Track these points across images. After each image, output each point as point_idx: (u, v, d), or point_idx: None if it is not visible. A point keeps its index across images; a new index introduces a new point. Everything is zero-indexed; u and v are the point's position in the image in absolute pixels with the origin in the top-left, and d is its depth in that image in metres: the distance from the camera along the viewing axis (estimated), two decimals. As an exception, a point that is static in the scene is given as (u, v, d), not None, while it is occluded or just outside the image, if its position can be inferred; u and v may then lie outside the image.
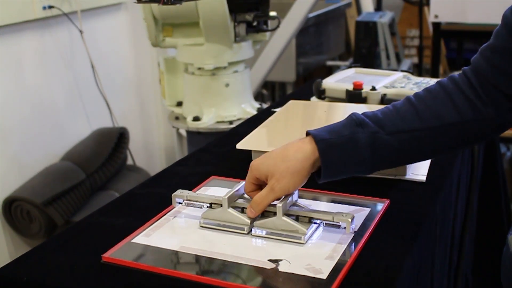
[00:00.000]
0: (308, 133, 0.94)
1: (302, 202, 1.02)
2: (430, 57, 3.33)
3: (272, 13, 2.03)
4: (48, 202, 2.09)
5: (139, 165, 2.73)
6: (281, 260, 0.89)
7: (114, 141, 2.42)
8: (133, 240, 0.95)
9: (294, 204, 0.99)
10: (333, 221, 0.94)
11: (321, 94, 1.57)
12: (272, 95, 3.82)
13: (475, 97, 0.92)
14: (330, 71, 4.00)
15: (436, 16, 2.76)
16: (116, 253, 0.91)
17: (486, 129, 0.94)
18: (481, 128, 0.93)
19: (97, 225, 1.02)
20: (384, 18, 3.25)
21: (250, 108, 2.11)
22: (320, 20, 3.65)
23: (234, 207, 0.99)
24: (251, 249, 0.93)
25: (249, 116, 1.94)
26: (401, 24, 4.30)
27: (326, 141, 0.92)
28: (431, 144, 0.94)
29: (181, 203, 1.03)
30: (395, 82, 1.54)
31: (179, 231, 1.00)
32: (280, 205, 0.94)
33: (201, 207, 1.02)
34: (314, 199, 1.08)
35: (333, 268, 0.85)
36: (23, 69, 2.19)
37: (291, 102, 1.50)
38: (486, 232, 1.68)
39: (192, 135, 2.11)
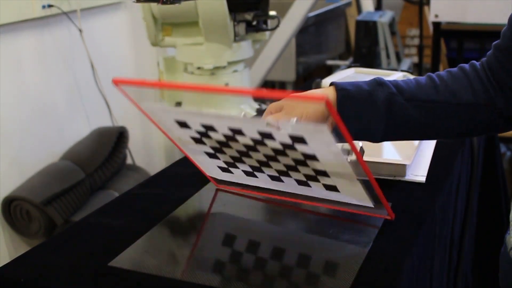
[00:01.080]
0: (332, 83, 0.97)
1: None
2: (430, 57, 3.33)
3: (272, 13, 2.02)
4: (47, 202, 2.09)
5: (139, 164, 2.72)
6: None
7: (114, 140, 2.42)
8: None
9: None
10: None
11: (321, 94, 1.56)
12: (272, 94, 3.81)
13: (489, 85, 0.96)
14: (330, 70, 4.00)
15: (436, 16, 2.76)
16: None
17: (495, 119, 0.97)
18: (492, 116, 0.96)
19: (96, 225, 1.02)
20: (384, 18, 3.25)
21: (249, 109, 2.11)
22: (320, 19, 3.65)
23: None
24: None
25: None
26: (401, 24, 4.29)
27: (347, 91, 0.95)
28: (444, 121, 0.97)
29: None
30: (395, 82, 1.54)
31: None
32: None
33: None
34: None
35: None
36: (22, 68, 2.19)
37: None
38: (485, 232, 1.68)
39: (192, 134, 2.10)
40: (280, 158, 0.92)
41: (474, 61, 1.02)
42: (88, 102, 2.51)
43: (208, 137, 0.94)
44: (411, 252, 0.90)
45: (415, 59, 4.32)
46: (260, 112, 1.68)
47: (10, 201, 2.11)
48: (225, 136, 0.91)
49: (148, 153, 2.97)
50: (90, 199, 2.30)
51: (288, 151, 0.88)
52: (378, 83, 0.96)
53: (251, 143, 0.90)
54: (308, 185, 0.98)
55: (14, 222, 2.15)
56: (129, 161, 2.64)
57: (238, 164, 1.01)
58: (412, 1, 3.83)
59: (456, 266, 1.35)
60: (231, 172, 1.05)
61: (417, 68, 4.03)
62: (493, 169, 1.66)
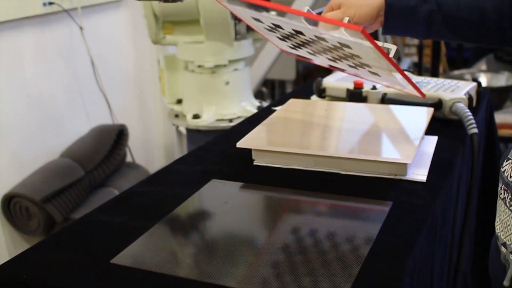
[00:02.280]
0: None
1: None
2: (430, 56, 3.33)
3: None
4: (47, 199, 2.09)
5: (139, 162, 2.73)
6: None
7: (114, 138, 2.42)
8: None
9: None
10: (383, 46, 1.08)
11: (322, 93, 1.57)
12: (272, 93, 3.82)
13: None
14: (330, 69, 4.00)
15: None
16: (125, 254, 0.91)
17: None
18: None
19: (96, 223, 1.02)
20: (384, 17, 3.25)
21: (250, 106, 2.11)
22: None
23: None
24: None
25: (249, 115, 1.94)
26: (401, 23, 4.29)
27: (393, 5, 1.13)
28: (474, 35, 1.14)
29: None
30: (396, 81, 1.54)
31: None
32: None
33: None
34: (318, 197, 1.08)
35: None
36: (23, 65, 2.19)
37: (291, 100, 1.50)
38: (485, 231, 1.68)
39: (192, 133, 2.10)
40: (334, 51, 1.10)
41: None
42: (88, 100, 2.51)
43: (277, 30, 1.13)
44: (413, 252, 0.90)
45: (415, 59, 4.32)
46: (261, 110, 1.68)
47: (9, 198, 2.11)
48: (290, 32, 1.11)
49: (148, 151, 2.97)
50: (89, 196, 2.30)
51: (339, 49, 1.07)
52: None
53: (310, 39, 1.09)
54: (357, 69, 1.15)
55: (14, 219, 2.15)
56: (128, 158, 2.64)
57: (302, 48, 1.18)
58: (412, 1, 3.82)
59: (456, 265, 1.35)
60: (297, 50, 1.21)
61: (416, 68, 4.03)
62: (493, 168, 1.67)
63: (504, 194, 1.00)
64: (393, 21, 1.14)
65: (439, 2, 1.13)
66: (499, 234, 1.02)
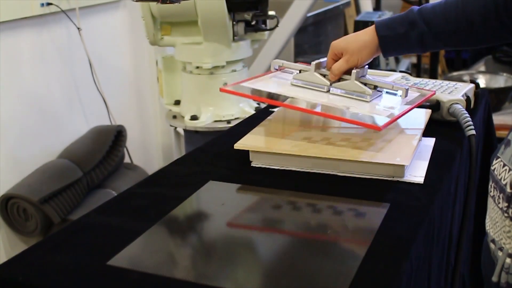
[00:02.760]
0: (374, 23, 1.26)
1: (370, 77, 1.30)
2: (429, 57, 3.33)
3: (271, 12, 2.02)
4: (44, 200, 2.09)
5: (137, 163, 2.72)
6: (350, 106, 1.20)
7: (112, 139, 2.42)
8: (243, 84, 1.29)
9: (363, 76, 1.28)
10: (392, 90, 1.26)
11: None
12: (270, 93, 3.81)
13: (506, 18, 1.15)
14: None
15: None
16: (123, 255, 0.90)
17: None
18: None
19: (93, 224, 1.02)
20: (383, 18, 3.25)
21: (248, 108, 2.11)
22: (319, 19, 3.65)
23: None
24: (328, 99, 1.24)
25: (247, 116, 1.94)
26: (399, 24, 4.29)
27: (385, 37, 1.24)
28: (467, 41, 1.23)
29: (277, 69, 1.38)
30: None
31: (275, 84, 1.33)
32: (355, 71, 1.24)
33: (291, 73, 1.34)
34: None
35: (388, 115, 1.16)
36: (20, 66, 2.19)
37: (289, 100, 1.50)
38: (483, 233, 1.68)
39: (190, 134, 2.10)
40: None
41: None
42: (86, 101, 2.51)
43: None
44: (409, 254, 0.90)
45: (414, 60, 4.32)
46: (258, 112, 1.67)
47: (7, 199, 2.11)
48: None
49: (146, 152, 2.97)
50: (87, 197, 2.30)
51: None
52: (410, 23, 1.22)
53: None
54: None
55: (11, 220, 2.15)
56: (126, 159, 2.64)
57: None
58: (411, 2, 3.83)
59: (454, 267, 1.35)
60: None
61: (415, 69, 4.03)
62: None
63: (493, 192, 1.02)
64: (390, 50, 1.26)
65: (427, 22, 1.20)
66: (488, 231, 1.05)
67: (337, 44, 1.27)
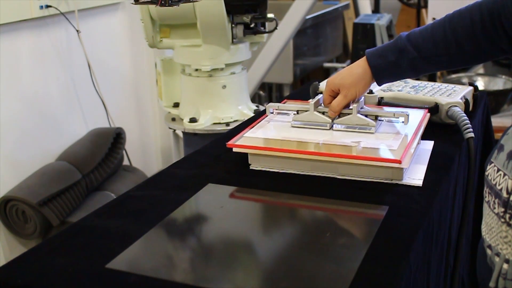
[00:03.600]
0: (365, 54, 1.27)
1: (367, 107, 1.33)
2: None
3: (270, 15, 2.02)
4: (43, 202, 2.09)
5: (136, 165, 2.72)
6: (360, 141, 1.20)
7: (111, 141, 2.42)
8: (246, 135, 1.26)
9: (362, 108, 1.30)
10: (394, 117, 1.28)
11: (318, 97, 1.56)
12: (269, 96, 3.82)
13: (494, 34, 1.15)
14: (327, 73, 4.00)
15: (434, 19, 2.76)
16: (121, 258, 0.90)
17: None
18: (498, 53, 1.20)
19: (92, 227, 1.02)
20: (381, 20, 3.25)
21: (247, 110, 2.11)
22: (317, 21, 3.65)
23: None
24: (335, 138, 1.24)
25: (246, 118, 1.94)
26: (398, 26, 4.29)
27: (377, 66, 1.25)
28: (458, 62, 1.24)
29: (272, 113, 1.37)
30: (392, 86, 1.54)
31: (276, 129, 1.31)
32: (356, 105, 1.26)
33: (288, 115, 1.35)
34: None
35: (400, 144, 1.18)
36: (20, 68, 2.19)
37: (287, 102, 1.50)
38: (481, 235, 1.68)
39: (189, 136, 2.10)
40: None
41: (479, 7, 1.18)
42: (85, 103, 2.51)
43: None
44: (408, 256, 0.90)
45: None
46: (257, 114, 1.67)
47: (6, 201, 2.10)
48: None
49: (145, 155, 2.97)
50: (86, 200, 2.29)
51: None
52: (400, 50, 1.22)
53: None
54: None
55: (10, 222, 2.15)
56: (125, 162, 2.64)
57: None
58: (410, 4, 3.83)
59: (453, 269, 1.35)
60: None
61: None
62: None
63: (488, 197, 1.02)
64: (383, 78, 1.27)
65: (416, 47, 1.21)
66: (484, 236, 1.04)
67: (333, 80, 1.28)
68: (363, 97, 1.31)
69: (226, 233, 1.00)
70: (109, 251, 0.92)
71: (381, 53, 1.25)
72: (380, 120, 1.29)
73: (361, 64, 1.27)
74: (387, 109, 1.35)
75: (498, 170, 0.99)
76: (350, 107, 1.28)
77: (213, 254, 0.92)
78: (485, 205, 1.04)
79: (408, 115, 1.25)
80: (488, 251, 1.02)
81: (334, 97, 1.29)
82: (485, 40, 1.16)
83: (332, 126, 1.28)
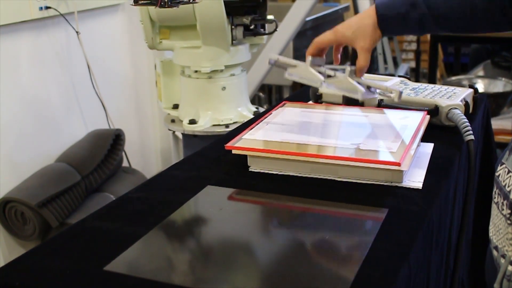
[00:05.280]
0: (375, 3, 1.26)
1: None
2: (428, 62, 3.33)
3: (270, 17, 2.02)
4: (42, 204, 2.08)
5: (135, 167, 2.72)
6: (359, 143, 1.19)
7: (110, 142, 2.41)
8: (245, 136, 1.25)
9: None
10: (387, 91, 1.27)
11: (318, 99, 1.56)
12: (269, 98, 3.82)
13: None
14: (327, 74, 4.00)
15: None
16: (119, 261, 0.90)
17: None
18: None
19: (91, 229, 1.01)
20: (381, 22, 3.25)
21: (247, 112, 2.10)
22: (317, 23, 3.65)
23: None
24: (335, 139, 1.24)
25: (245, 120, 1.93)
26: (398, 28, 4.29)
27: (385, 15, 1.24)
28: (466, 28, 1.23)
29: (273, 64, 1.35)
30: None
31: (276, 131, 1.29)
32: (349, 68, 1.27)
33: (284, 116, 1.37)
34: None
35: (399, 146, 1.17)
36: (19, 69, 2.18)
37: (287, 104, 1.50)
38: (482, 238, 1.68)
39: (188, 138, 2.10)
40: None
41: None
42: (85, 104, 2.51)
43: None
44: (408, 259, 0.90)
45: (412, 64, 4.33)
46: (257, 116, 1.67)
47: (5, 203, 2.10)
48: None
49: (144, 156, 2.97)
50: (85, 201, 2.29)
51: None
52: (411, 3, 1.21)
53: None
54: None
55: (9, 224, 2.15)
56: (125, 163, 2.64)
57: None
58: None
59: (453, 272, 1.35)
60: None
61: (414, 73, 4.04)
62: (490, 174, 1.66)
63: (497, 198, 1.01)
64: (388, 28, 1.26)
65: (428, 5, 1.21)
66: (491, 237, 1.03)
67: (344, 33, 1.30)
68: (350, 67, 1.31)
69: (225, 235, 1.00)
70: (108, 253, 0.92)
71: (391, 4, 1.25)
72: (372, 92, 1.32)
73: (370, 14, 1.27)
74: (388, 84, 1.35)
75: (509, 171, 0.99)
76: (343, 68, 1.30)
77: (212, 256, 0.92)
78: (493, 206, 1.04)
79: (401, 92, 1.25)
80: (495, 253, 1.02)
81: (358, 56, 1.30)
82: (500, 12, 1.16)
83: (322, 84, 1.30)
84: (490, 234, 1.04)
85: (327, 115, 1.43)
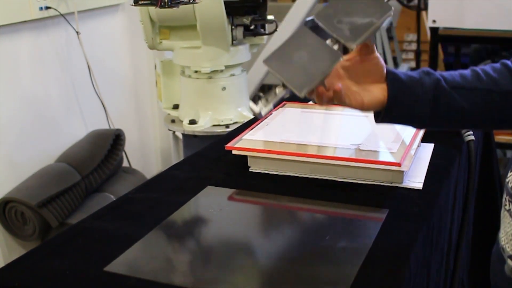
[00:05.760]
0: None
1: None
2: (428, 62, 3.33)
3: (270, 17, 2.02)
4: (42, 204, 2.08)
5: (135, 167, 2.72)
6: (360, 144, 1.20)
7: (110, 143, 2.41)
8: (245, 137, 1.25)
9: None
10: None
11: (318, 99, 1.56)
12: (269, 98, 3.81)
13: None
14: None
15: (434, 21, 2.76)
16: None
17: None
18: None
19: (92, 229, 1.01)
20: (381, 23, 3.25)
21: (247, 112, 2.10)
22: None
23: None
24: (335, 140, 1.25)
25: (245, 120, 1.93)
26: (399, 29, 4.30)
27: (398, 79, 0.97)
28: (486, 108, 0.99)
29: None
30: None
31: (276, 131, 1.30)
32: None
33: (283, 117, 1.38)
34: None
35: (399, 146, 1.17)
36: (19, 70, 2.18)
37: (287, 104, 1.50)
38: (483, 238, 1.68)
39: (188, 138, 2.10)
40: None
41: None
42: (85, 104, 2.50)
43: None
44: (408, 259, 0.90)
45: (413, 64, 4.33)
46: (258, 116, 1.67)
47: (5, 203, 2.10)
48: None
49: (144, 156, 2.96)
50: (85, 201, 2.29)
51: None
52: (425, 72, 1.00)
53: None
54: None
55: (9, 224, 2.14)
56: (125, 163, 2.63)
57: None
58: (410, 6, 3.83)
59: (453, 272, 1.35)
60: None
61: (414, 73, 4.03)
62: (490, 175, 1.66)
63: (509, 206, 0.98)
64: (397, 93, 0.99)
65: (443, 75, 1.02)
66: (504, 246, 1.00)
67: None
68: None
69: (225, 235, 1.00)
70: (108, 254, 0.92)
71: (404, 72, 1.02)
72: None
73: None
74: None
75: None
76: None
77: (212, 256, 0.92)
78: (504, 214, 1.00)
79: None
80: (509, 262, 0.98)
81: None
82: None
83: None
84: (502, 243, 1.01)
85: (327, 115, 1.43)
